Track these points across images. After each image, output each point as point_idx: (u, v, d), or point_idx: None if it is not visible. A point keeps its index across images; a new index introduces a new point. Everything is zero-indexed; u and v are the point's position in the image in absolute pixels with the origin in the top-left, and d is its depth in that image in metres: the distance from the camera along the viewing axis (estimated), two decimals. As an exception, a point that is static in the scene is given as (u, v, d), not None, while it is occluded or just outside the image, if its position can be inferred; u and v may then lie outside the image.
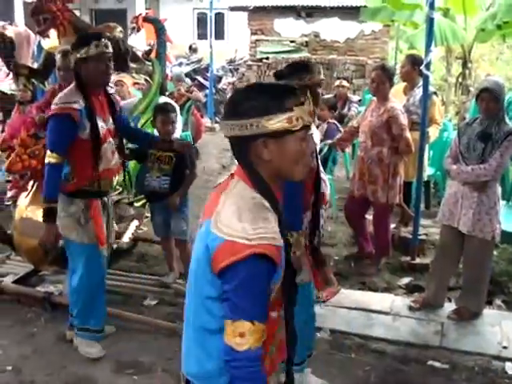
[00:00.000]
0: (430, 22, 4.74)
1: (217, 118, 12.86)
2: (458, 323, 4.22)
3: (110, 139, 3.68)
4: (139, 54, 10.05)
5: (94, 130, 3.53)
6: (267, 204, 1.73)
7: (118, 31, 4.78)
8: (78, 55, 3.46)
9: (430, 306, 4.41)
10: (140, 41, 13.58)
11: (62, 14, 4.49)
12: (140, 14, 9.47)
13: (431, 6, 4.67)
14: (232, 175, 1.85)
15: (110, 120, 3.69)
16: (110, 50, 3.52)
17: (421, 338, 4.06)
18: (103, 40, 3.48)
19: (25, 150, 4.20)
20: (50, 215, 3.52)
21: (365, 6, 9.31)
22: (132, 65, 4.82)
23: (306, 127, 1.72)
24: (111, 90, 3.78)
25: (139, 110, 5.18)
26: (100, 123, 3.59)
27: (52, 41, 4.75)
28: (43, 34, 4.59)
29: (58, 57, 4.42)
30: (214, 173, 8.87)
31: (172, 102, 7.45)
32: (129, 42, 14.60)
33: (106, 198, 3.79)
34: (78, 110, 3.48)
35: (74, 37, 4.48)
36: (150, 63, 5.52)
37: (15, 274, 4.83)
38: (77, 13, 19.47)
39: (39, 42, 7.21)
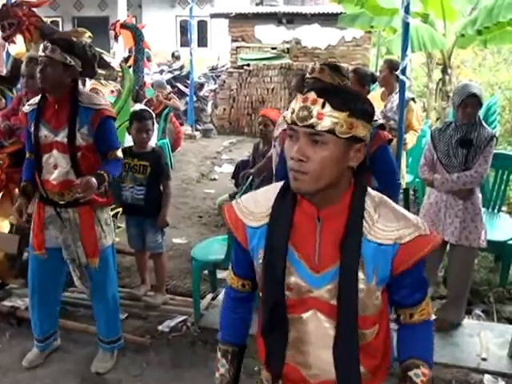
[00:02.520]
0: (406, 26, 4.66)
1: (197, 126, 12.77)
2: (436, 334, 4.04)
3: (55, 152, 3.39)
4: (116, 60, 10.00)
5: (34, 137, 3.42)
6: None
7: (87, 36, 4.63)
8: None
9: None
10: (120, 48, 13.48)
11: (28, 19, 4.37)
12: (118, 21, 9.38)
13: (406, 11, 4.59)
14: None
15: (64, 133, 3.36)
16: (54, 56, 3.30)
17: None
18: (50, 45, 3.31)
19: (-11, 161, 4.07)
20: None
21: (343, 13, 9.24)
22: (100, 71, 4.66)
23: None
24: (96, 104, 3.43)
25: (109, 117, 5.02)
26: (45, 132, 3.40)
27: (19, 47, 4.59)
28: (8, 39, 4.44)
29: (23, 63, 4.31)
30: (192, 181, 8.76)
31: (148, 109, 7.36)
32: (112, 49, 14.59)
33: (59, 210, 3.51)
34: (26, 113, 3.48)
35: (41, 42, 4.38)
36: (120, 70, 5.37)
37: (-19, 288, 4.69)
38: (59, 21, 19.43)
39: (7, 49, 7.06)
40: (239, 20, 13.66)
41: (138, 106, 7.24)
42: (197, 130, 12.61)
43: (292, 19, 13.49)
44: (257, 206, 1.76)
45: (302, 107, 1.56)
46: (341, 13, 9.62)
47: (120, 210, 5.25)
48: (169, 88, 11.86)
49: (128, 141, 5.32)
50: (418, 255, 1.65)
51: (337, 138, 1.55)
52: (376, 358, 1.76)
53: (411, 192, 6.96)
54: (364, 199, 1.66)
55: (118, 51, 14.49)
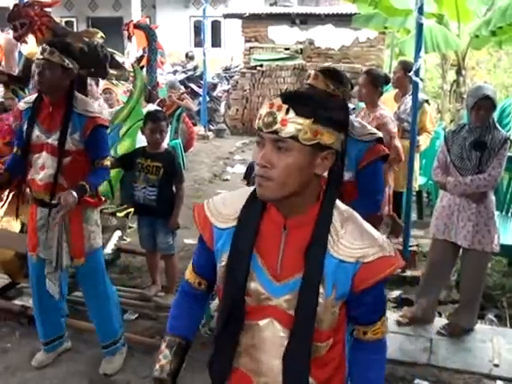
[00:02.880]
0: (419, 27, 4.62)
1: (210, 126, 12.77)
2: (448, 339, 4.07)
3: (44, 154, 3.38)
4: (129, 60, 10.02)
5: (26, 136, 3.42)
6: None
7: (99, 37, 4.64)
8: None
9: (419, 321, 4.26)
10: (134, 48, 13.52)
11: (40, 19, 4.36)
12: (131, 21, 9.40)
13: (420, 11, 4.55)
14: None
15: (55, 136, 3.35)
16: (52, 58, 3.28)
17: (408, 355, 3.89)
18: (48, 47, 3.29)
19: (0, 158, 4.07)
20: None
21: (358, 13, 9.19)
22: (112, 71, 4.67)
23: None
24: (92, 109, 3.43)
25: (120, 118, 5.03)
26: (37, 132, 3.40)
27: (31, 47, 4.60)
28: (20, 39, 4.44)
29: (34, 63, 4.31)
30: (204, 182, 8.75)
31: (162, 110, 7.36)
32: (126, 49, 14.66)
33: (53, 211, 3.44)
34: (22, 110, 3.51)
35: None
36: (131, 70, 5.37)
37: (-8, 287, 4.70)
38: (73, 21, 19.56)
39: (19, 49, 7.09)
40: (253, 20, 13.65)
41: (151, 106, 7.25)
42: (210, 130, 12.61)
43: (306, 20, 13.45)
44: (226, 207, 1.75)
45: (267, 113, 1.55)
46: (355, 13, 9.57)
47: (132, 210, 5.25)
48: (182, 88, 11.90)
49: (141, 141, 5.32)
50: (378, 276, 1.63)
51: (301, 144, 1.53)
52: (327, 370, 1.74)
53: (424, 194, 6.91)
54: (332, 212, 1.64)
55: (131, 51, 14.57)
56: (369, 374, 1.77)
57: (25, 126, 3.44)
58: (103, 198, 3.87)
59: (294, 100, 1.56)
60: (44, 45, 3.37)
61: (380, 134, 3.17)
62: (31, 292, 3.81)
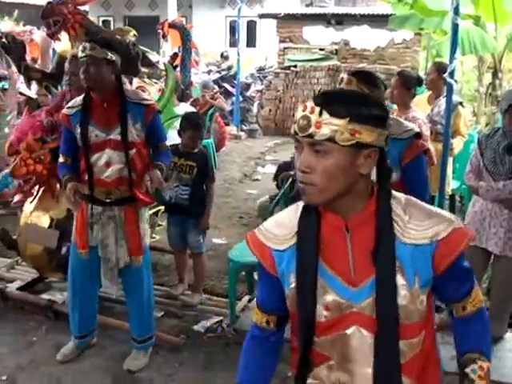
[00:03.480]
0: (455, 27, 4.53)
1: (243, 126, 12.77)
2: (477, 347, 3.97)
3: (107, 150, 3.43)
4: (164, 59, 10.08)
5: (82, 138, 3.43)
6: None
7: (131, 35, 4.67)
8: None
9: (447, 328, 4.16)
10: (168, 47, 13.62)
11: (74, 16, 4.38)
12: (166, 21, 9.47)
13: (455, 12, 4.45)
14: None
15: (116, 131, 3.42)
16: (95, 54, 3.33)
17: (436, 363, 3.81)
18: (89, 44, 3.34)
19: (30, 154, 4.11)
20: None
21: (393, 14, 9.09)
22: (144, 69, 4.69)
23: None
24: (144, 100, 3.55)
25: (152, 115, 5.04)
26: (96, 131, 3.43)
27: (64, 44, 4.64)
28: (53, 36, 4.47)
29: (67, 61, 4.35)
30: (235, 181, 8.75)
31: (194, 110, 7.38)
32: (161, 48, 14.75)
33: (107, 209, 3.54)
34: (69, 115, 3.48)
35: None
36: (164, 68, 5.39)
37: (22, 280, 4.76)
38: (110, 20, 19.87)
39: (53, 46, 7.20)
40: (287, 20, 13.62)
41: (184, 105, 7.29)
42: (242, 130, 12.61)
43: (341, 20, 13.36)
44: (280, 228, 1.69)
45: (301, 116, 1.51)
46: (391, 14, 9.47)
47: (161, 208, 5.27)
48: (215, 88, 11.93)
49: (170, 139, 5.32)
50: (457, 250, 1.59)
51: (339, 146, 1.48)
52: (426, 366, 1.68)
53: (457, 199, 6.78)
54: (390, 202, 1.59)
55: (166, 50, 14.67)
56: (472, 336, 1.72)
57: (78, 130, 3.45)
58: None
59: (327, 100, 1.51)
60: (84, 43, 3.41)
61: (417, 129, 3.21)
62: (67, 286, 3.86)
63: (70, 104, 3.58)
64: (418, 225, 1.57)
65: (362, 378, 1.62)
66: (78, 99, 3.53)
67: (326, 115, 1.48)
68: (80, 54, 3.39)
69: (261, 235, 1.71)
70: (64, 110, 3.56)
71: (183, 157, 4.43)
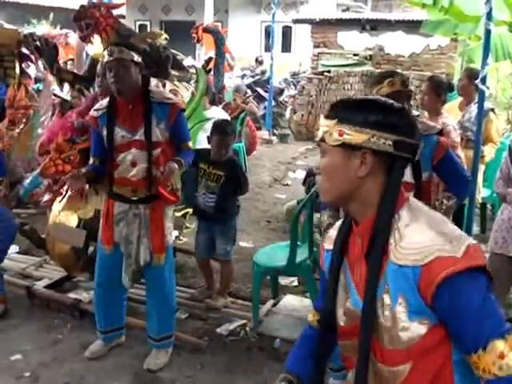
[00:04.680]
0: (487, 33, 4.46)
1: (275, 131, 12.76)
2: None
3: (133, 150, 3.50)
4: (199, 64, 10.14)
5: (108, 139, 3.51)
6: None
7: (163, 38, 4.70)
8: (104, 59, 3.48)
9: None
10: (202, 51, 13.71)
11: (106, 20, 4.43)
12: (201, 25, 9.51)
13: (488, 17, 4.38)
14: None
15: (141, 131, 3.48)
16: (123, 56, 3.38)
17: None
18: (116, 47, 3.41)
19: (59, 154, 4.18)
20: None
21: (427, 20, 8.98)
22: (174, 72, 4.72)
23: None
24: (169, 99, 3.59)
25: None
26: (122, 132, 3.50)
27: (97, 47, 4.71)
28: (85, 39, 4.53)
29: (99, 64, 4.41)
30: (264, 186, 8.74)
31: (225, 114, 7.40)
32: (196, 53, 14.82)
33: (133, 207, 3.61)
34: (97, 117, 3.56)
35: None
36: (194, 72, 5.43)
37: (50, 279, 4.83)
38: (147, 24, 20.04)
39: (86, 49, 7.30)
40: (322, 26, 13.60)
41: (215, 109, 7.32)
42: (274, 134, 12.61)
43: (376, 26, 13.29)
44: (335, 228, 1.75)
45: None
46: (426, 20, 9.36)
47: (189, 210, 5.30)
48: (248, 92, 11.96)
49: (200, 142, 5.36)
50: (435, 280, 1.38)
51: (330, 146, 1.55)
52: None
53: (489, 207, 6.67)
54: (389, 215, 1.50)
55: (201, 54, 14.78)
56: None
57: (104, 132, 3.53)
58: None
59: (330, 106, 1.61)
60: (110, 47, 3.46)
61: (439, 126, 3.35)
62: (94, 281, 3.90)
63: (96, 106, 3.66)
64: (409, 243, 1.45)
65: None
66: (105, 101, 3.60)
67: (322, 118, 1.60)
68: (108, 58, 3.43)
69: (326, 236, 1.81)
70: (91, 112, 3.65)
71: (212, 165, 4.43)
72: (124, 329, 4.03)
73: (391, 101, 1.63)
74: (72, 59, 9.52)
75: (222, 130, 4.46)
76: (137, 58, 3.45)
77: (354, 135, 1.51)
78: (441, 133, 3.27)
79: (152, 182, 3.54)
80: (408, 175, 2.63)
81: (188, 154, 3.70)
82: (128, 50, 3.41)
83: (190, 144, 3.74)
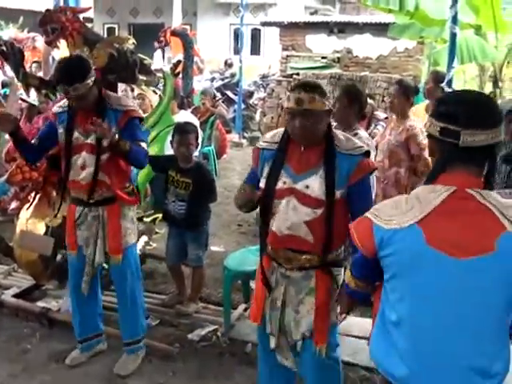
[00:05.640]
0: (453, 37, 4.54)
1: (245, 134, 12.76)
2: None
3: (84, 154, 3.50)
4: (167, 67, 10.10)
5: (66, 139, 3.52)
6: None
7: (130, 43, 4.66)
8: None
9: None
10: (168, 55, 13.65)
11: (72, 24, 4.39)
12: (168, 28, 9.46)
13: (453, 21, 4.46)
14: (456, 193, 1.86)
15: (93, 135, 3.45)
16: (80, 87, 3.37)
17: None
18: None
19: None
20: None
21: (394, 23, 9.11)
22: (142, 77, 4.69)
23: None
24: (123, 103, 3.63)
25: (149, 123, 5.04)
26: (76, 134, 3.51)
27: (63, 51, 4.66)
28: (51, 44, 4.50)
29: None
30: (234, 189, 8.63)
31: (194, 118, 7.37)
32: (154, 55, 14.75)
33: (93, 209, 3.61)
34: (56, 113, 3.61)
35: (84, 48, 4.43)
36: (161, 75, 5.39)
37: (18, 287, 4.77)
38: (115, 27, 19.88)
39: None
40: (290, 29, 13.63)
41: (184, 113, 7.28)
42: (244, 137, 12.61)
43: (343, 29, 13.37)
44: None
45: None
46: (393, 23, 9.47)
47: (159, 216, 5.26)
48: (218, 95, 11.95)
49: (168, 148, 5.33)
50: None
51: None
52: None
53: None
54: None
55: (158, 58, 14.73)
56: None
57: (60, 130, 3.55)
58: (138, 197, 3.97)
59: None
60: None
61: (367, 148, 2.83)
62: (68, 290, 3.92)
63: (59, 103, 3.71)
64: None
65: None
66: (66, 101, 3.60)
67: None
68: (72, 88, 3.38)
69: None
70: (53, 108, 3.71)
71: (180, 172, 4.40)
72: (102, 336, 4.01)
73: None
74: (37, 61, 9.40)
75: (182, 129, 4.46)
76: (90, 81, 3.42)
77: None
78: (367, 154, 2.80)
79: (102, 185, 3.55)
80: (316, 188, 2.68)
81: (137, 149, 3.55)
82: (83, 79, 3.37)
83: (144, 145, 3.64)
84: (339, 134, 2.86)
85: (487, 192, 1.86)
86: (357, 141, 2.87)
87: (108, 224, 3.64)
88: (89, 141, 3.49)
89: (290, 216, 2.70)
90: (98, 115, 3.44)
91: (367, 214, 2.00)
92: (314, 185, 2.67)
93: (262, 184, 2.80)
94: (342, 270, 2.82)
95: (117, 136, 3.39)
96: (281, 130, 2.86)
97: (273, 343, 2.86)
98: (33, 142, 3.61)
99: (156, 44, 9.15)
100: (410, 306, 1.87)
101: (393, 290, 1.93)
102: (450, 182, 1.85)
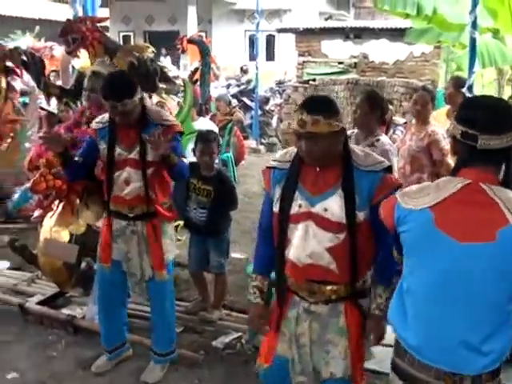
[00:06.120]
0: (472, 42, 4.52)
1: (262, 140, 12.78)
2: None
3: (128, 169, 3.53)
4: (184, 74, 10.13)
5: (108, 155, 3.53)
6: None
7: (150, 51, 4.70)
8: None
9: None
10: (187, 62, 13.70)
11: (92, 34, 4.43)
12: (184, 36, 9.50)
13: (473, 26, 4.44)
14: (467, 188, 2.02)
15: (136, 150, 3.51)
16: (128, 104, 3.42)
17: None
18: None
19: (49, 169, 4.15)
20: None
21: (411, 28, 9.05)
22: (161, 85, 4.72)
23: None
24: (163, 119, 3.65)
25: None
26: (118, 150, 3.53)
27: (84, 61, 4.70)
28: (72, 54, 4.55)
29: (86, 78, 4.41)
30: (254, 196, 8.72)
31: (213, 124, 7.40)
32: (181, 63, 14.77)
33: (131, 224, 3.63)
34: (96, 129, 3.61)
35: (105, 57, 4.47)
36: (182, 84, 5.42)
37: (42, 295, 4.80)
38: (131, 35, 19.92)
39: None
40: (306, 35, 13.62)
41: (202, 120, 7.31)
42: (261, 144, 12.62)
43: (360, 34, 13.35)
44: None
45: None
46: (409, 28, 9.42)
47: (181, 223, 5.27)
48: (234, 101, 11.97)
49: (190, 155, 5.34)
50: None
51: None
52: None
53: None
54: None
55: (187, 65, 14.78)
56: None
57: (102, 146, 3.56)
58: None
59: None
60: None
61: (388, 163, 2.57)
62: (94, 300, 3.97)
63: (98, 119, 3.69)
64: None
65: None
66: (106, 116, 3.62)
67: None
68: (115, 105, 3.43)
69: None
70: (92, 124, 3.70)
71: (201, 180, 4.42)
72: (126, 345, 4.03)
73: None
74: (55, 70, 9.48)
75: (205, 138, 4.48)
76: (138, 98, 3.47)
77: None
78: (390, 169, 2.59)
79: (146, 200, 3.55)
80: (336, 211, 2.44)
81: (182, 162, 3.61)
82: (130, 96, 3.42)
83: (185, 160, 3.72)
84: (357, 149, 2.61)
85: (499, 188, 2.01)
86: (377, 156, 2.63)
87: (149, 240, 3.64)
88: (131, 156, 3.51)
89: (309, 243, 2.46)
90: (139, 130, 3.47)
91: (396, 193, 2.20)
92: (334, 207, 2.44)
93: (275, 208, 2.56)
94: (368, 300, 2.62)
95: (168, 146, 3.42)
96: (293, 148, 2.62)
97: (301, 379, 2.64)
98: (76, 159, 3.64)
99: (163, 51, 9.17)
100: (418, 279, 2.07)
101: (406, 264, 2.15)
102: (468, 175, 2.03)
